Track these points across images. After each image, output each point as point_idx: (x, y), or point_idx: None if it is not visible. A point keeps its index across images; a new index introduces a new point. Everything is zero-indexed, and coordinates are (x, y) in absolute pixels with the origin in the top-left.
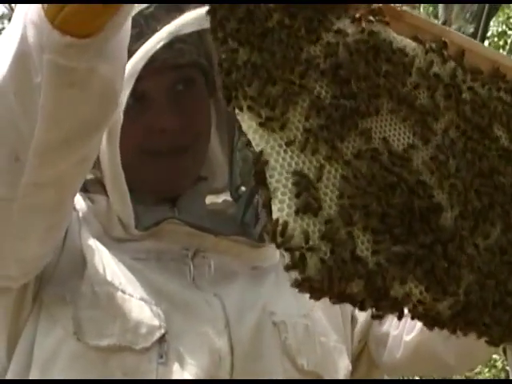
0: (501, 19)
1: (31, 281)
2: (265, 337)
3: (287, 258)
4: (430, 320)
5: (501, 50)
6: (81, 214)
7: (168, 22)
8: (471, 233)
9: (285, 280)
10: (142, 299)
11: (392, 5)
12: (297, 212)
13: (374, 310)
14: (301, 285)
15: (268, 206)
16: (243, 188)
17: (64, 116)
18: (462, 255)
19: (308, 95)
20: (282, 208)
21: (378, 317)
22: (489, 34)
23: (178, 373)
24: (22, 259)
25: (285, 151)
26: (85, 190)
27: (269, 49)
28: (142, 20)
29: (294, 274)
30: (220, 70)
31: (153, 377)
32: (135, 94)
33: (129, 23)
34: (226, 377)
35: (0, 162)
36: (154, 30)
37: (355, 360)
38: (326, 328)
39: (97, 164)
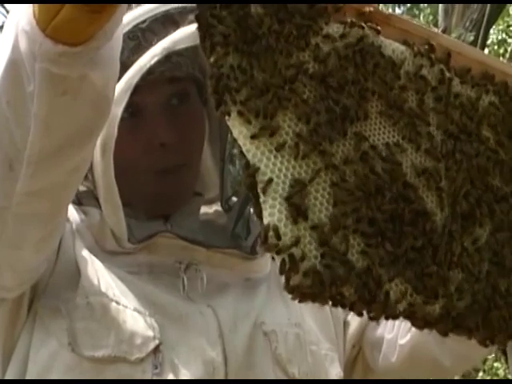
0: (501, 27)
1: (26, 292)
2: (257, 347)
3: (278, 263)
4: (420, 322)
5: (501, 58)
6: (74, 227)
7: (163, 37)
8: (460, 234)
9: (276, 290)
10: (135, 310)
11: (380, 9)
12: (287, 217)
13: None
14: (292, 290)
15: (259, 212)
16: (234, 198)
17: (57, 124)
18: (451, 257)
19: (297, 100)
20: (273, 213)
21: (373, 318)
22: (489, 41)
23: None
24: (17, 269)
25: (275, 157)
26: (78, 202)
27: (258, 54)
28: (138, 34)
29: (287, 280)
30: (209, 76)
31: None
32: (130, 108)
33: (121, 31)
34: None
35: None
36: (150, 45)
37: (351, 365)
38: (317, 336)
39: (90, 176)
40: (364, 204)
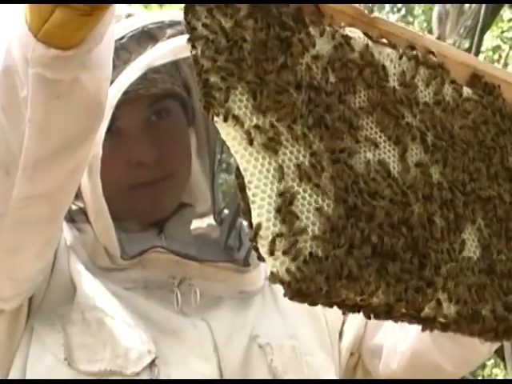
0: (495, 33)
1: (24, 305)
2: (252, 360)
3: (270, 264)
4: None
5: (495, 64)
6: (68, 243)
7: (142, 53)
8: (448, 232)
9: (271, 302)
10: (130, 326)
11: (365, 11)
12: (275, 217)
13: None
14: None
15: (248, 213)
16: (226, 211)
17: (51, 128)
18: (440, 255)
19: (284, 101)
20: (261, 213)
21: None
22: (483, 48)
23: None
24: (15, 277)
25: (263, 157)
26: (71, 219)
27: (244, 57)
28: (117, 50)
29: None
30: (198, 81)
31: None
32: (112, 127)
33: (112, 35)
34: None
35: None
36: (127, 61)
37: (351, 373)
38: (312, 347)
39: (80, 195)
40: (352, 206)
